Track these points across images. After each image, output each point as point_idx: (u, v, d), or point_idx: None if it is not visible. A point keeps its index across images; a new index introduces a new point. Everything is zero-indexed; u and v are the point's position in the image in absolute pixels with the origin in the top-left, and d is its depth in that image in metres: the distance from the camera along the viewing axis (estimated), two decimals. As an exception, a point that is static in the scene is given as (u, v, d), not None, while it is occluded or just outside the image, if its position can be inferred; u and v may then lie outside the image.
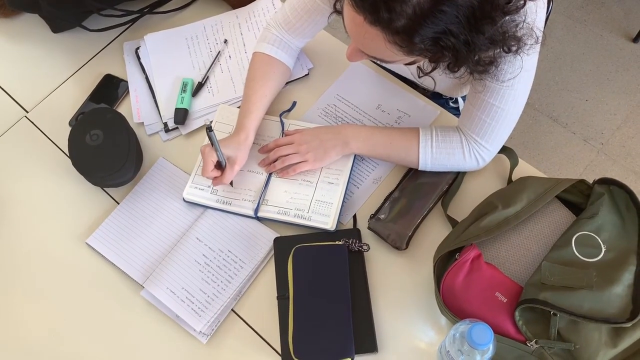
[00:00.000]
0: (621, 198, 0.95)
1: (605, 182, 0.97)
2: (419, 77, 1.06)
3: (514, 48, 0.81)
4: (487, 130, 0.99)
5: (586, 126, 2.13)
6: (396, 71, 1.21)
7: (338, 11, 0.88)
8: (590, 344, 0.84)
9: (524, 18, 0.79)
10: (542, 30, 0.88)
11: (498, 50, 0.80)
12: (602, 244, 0.90)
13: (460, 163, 1.04)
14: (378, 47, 0.78)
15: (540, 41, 0.86)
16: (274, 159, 1.08)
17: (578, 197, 0.99)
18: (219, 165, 1.04)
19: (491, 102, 0.95)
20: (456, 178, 1.07)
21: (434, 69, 0.90)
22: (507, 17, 0.76)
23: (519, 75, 0.90)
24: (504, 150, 1.06)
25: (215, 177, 1.04)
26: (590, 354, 0.84)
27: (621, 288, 0.85)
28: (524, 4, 0.77)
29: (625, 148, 2.08)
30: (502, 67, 0.88)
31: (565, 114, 2.15)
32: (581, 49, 2.27)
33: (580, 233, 0.91)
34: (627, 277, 0.86)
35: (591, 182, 0.99)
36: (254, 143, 1.13)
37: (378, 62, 1.14)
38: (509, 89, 0.93)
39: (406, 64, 1.11)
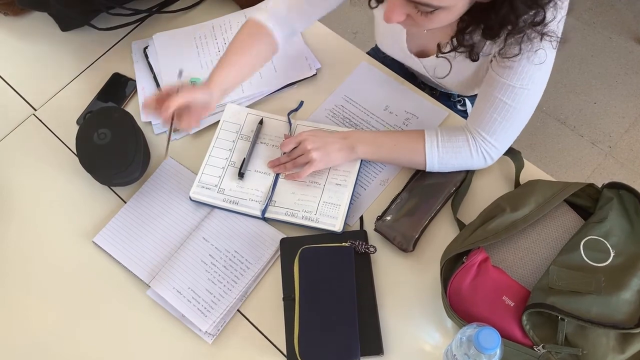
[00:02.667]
0: (630, 202, 0.94)
1: (614, 186, 0.96)
2: (437, 57, 1.05)
3: (540, 29, 0.83)
4: (496, 128, 0.99)
5: (594, 129, 2.11)
6: (410, 65, 1.19)
7: None
8: (598, 349, 0.84)
9: (553, 16, 0.83)
10: (560, 35, 0.91)
11: (539, 10, 0.81)
12: (610, 248, 0.90)
13: (468, 161, 1.03)
14: None
15: (558, 41, 0.89)
16: (285, 161, 1.08)
17: (587, 201, 0.98)
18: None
19: (504, 100, 0.95)
20: (464, 180, 1.06)
21: (460, 43, 0.91)
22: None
23: (534, 76, 0.92)
24: (510, 152, 1.06)
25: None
26: (597, 359, 0.84)
27: (630, 293, 0.84)
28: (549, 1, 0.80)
29: (634, 151, 2.06)
30: (528, 50, 0.89)
31: (573, 116, 2.14)
32: (590, 52, 2.26)
33: (588, 237, 0.91)
34: (636, 283, 0.85)
35: (599, 185, 0.98)
36: (262, 143, 1.13)
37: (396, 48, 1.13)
38: (523, 90, 0.94)
39: (417, 55, 1.10)
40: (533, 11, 0.82)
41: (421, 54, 1.14)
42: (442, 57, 1.03)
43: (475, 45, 0.93)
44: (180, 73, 0.90)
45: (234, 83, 1.06)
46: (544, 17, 0.83)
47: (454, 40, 0.93)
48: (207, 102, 1.00)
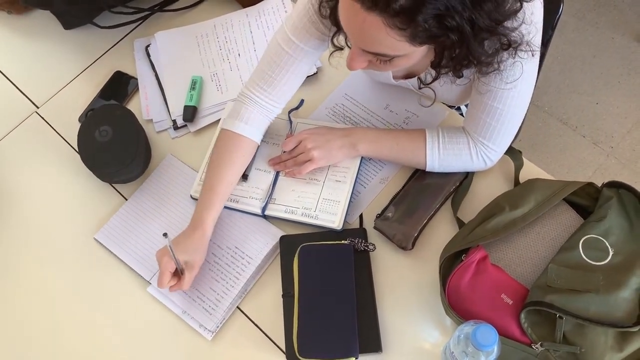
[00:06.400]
0: (630, 202, 0.94)
1: (614, 185, 0.97)
2: (420, 88, 1.05)
3: (515, 41, 0.80)
4: (492, 132, 0.99)
5: (596, 129, 2.11)
6: (400, 85, 1.15)
7: (336, 47, 0.91)
8: (596, 347, 0.84)
9: (521, 21, 0.79)
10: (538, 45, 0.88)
11: (501, 37, 0.79)
12: (609, 247, 0.90)
13: (468, 164, 1.03)
14: (379, 37, 0.74)
15: (538, 48, 0.86)
16: (285, 159, 1.09)
17: (586, 200, 0.98)
18: (176, 272, 0.98)
19: (495, 105, 0.94)
20: (465, 179, 1.06)
21: (437, 76, 0.89)
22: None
23: (520, 77, 0.90)
24: (509, 151, 1.06)
25: (173, 285, 0.98)
26: (596, 357, 0.84)
27: (628, 292, 0.84)
28: (521, 6, 0.77)
29: (636, 152, 2.06)
30: (504, 71, 0.87)
31: (575, 116, 2.14)
32: (592, 52, 2.26)
33: (587, 236, 0.91)
34: (635, 281, 0.85)
35: (600, 185, 0.98)
36: (263, 142, 1.13)
37: (380, 76, 1.13)
38: (511, 91, 0.92)
39: (405, 77, 1.09)
40: (493, 47, 0.79)
41: (409, 75, 1.10)
42: (424, 87, 1.03)
43: (454, 69, 0.89)
44: (166, 235, 0.90)
45: (222, 209, 1.04)
46: (509, 43, 0.80)
47: (432, 71, 0.90)
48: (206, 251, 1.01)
